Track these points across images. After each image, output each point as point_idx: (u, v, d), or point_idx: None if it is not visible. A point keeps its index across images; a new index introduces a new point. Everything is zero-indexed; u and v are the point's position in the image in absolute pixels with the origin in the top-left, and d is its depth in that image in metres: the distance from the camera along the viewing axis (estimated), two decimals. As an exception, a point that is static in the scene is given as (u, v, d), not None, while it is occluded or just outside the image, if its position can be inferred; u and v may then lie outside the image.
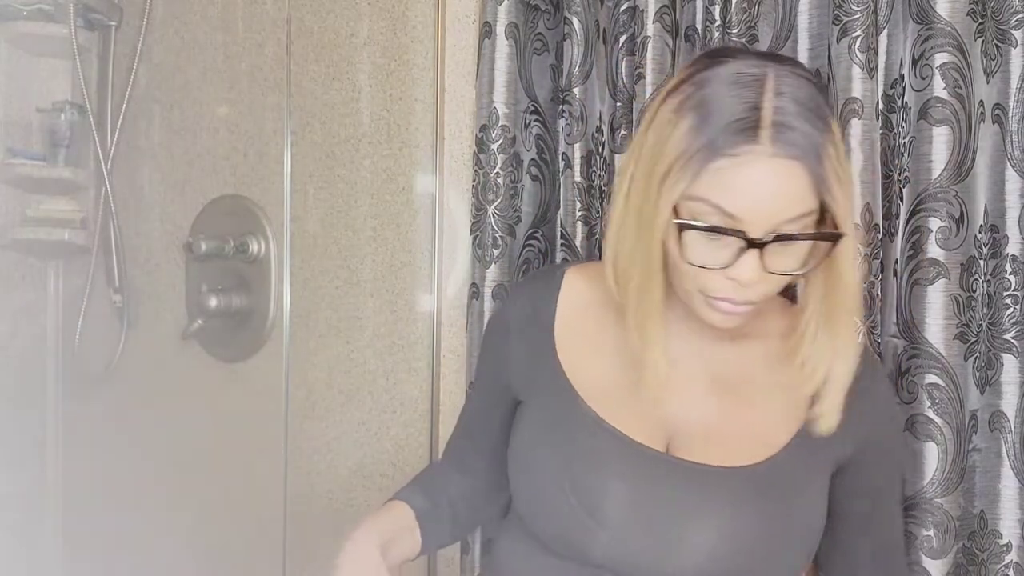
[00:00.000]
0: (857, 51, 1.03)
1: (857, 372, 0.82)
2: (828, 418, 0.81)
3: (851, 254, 0.75)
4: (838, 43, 1.04)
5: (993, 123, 1.06)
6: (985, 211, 1.06)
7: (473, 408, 1.05)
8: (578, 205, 1.24)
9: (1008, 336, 1.07)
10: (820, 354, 0.80)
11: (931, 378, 1.03)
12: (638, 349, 0.82)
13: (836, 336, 0.79)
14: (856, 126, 1.03)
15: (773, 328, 0.89)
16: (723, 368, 0.87)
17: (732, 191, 0.71)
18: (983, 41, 1.04)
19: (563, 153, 1.29)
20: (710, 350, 0.88)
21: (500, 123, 1.28)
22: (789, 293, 0.93)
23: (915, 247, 1.04)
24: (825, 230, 0.74)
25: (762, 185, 0.70)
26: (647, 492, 0.82)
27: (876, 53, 1.04)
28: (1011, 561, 1.06)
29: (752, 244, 0.71)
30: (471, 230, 1.31)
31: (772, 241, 0.71)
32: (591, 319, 0.90)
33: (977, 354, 1.05)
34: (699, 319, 0.81)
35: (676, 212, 0.74)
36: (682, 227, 0.73)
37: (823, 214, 0.74)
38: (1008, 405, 1.07)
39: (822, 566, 0.95)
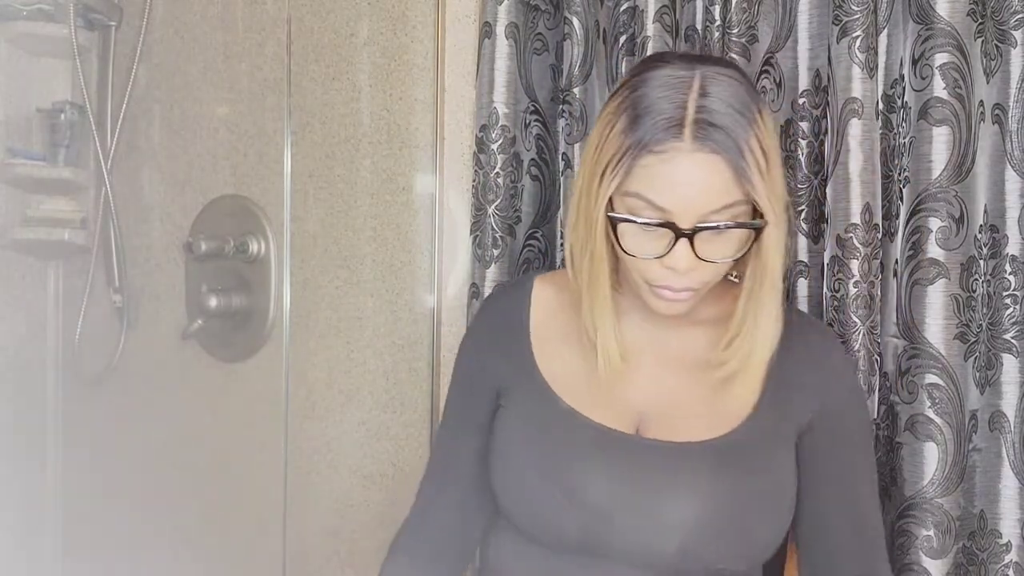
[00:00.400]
0: (857, 51, 1.03)
1: (813, 344, 0.91)
2: (744, 395, 0.87)
3: (774, 240, 0.80)
4: (838, 43, 1.04)
5: (993, 123, 1.06)
6: (985, 211, 1.06)
7: (446, 445, 1.03)
8: (578, 205, 1.24)
9: (1008, 336, 1.07)
10: (745, 333, 0.85)
11: (931, 378, 1.03)
12: (592, 337, 0.89)
13: (758, 316, 0.84)
14: (856, 126, 1.03)
15: (724, 312, 0.92)
16: (679, 351, 0.93)
17: (659, 186, 0.77)
18: (983, 41, 1.04)
19: (563, 153, 1.29)
20: (665, 336, 0.93)
21: (500, 123, 1.28)
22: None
23: (915, 247, 1.04)
24: (753, 220, 0.80)
25: (686, 179, 0.76)
26: (623, 474, 0.86)
27: (876, 53, 1.04)
28: (1011, 561, 1.06)
29: (681, 234, 0.77)
30: (471, 230, 1.31)
31: (698, 231, 0.77)
32: (562, 321, 0.96)
33: (977, 354, 1.05)
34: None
35: (612, 206, 0.80)
36: (616, 220, 0.80)
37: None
38: (1008, 405, 1.07)
39: (804, 555, 0.95)
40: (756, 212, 0.80)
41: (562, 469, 0.88)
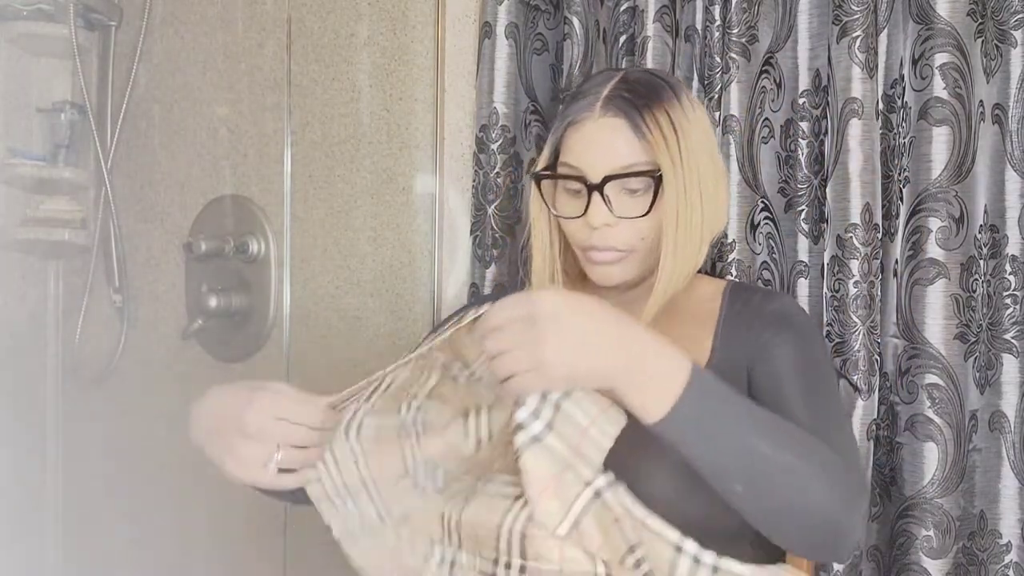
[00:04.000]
0: (857, 51, 1.03)
1: (755, 298, 0.93)
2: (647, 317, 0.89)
3: (674, 192, 0.86)
4: (838, 43, 1.04)
5: (993, 123, 1.06)
6: (985, 211, 1.06)
7: None
8: (578, 205, 1.24)
9: (1008, 336, 1.07)
10: (660, 273, 0.89)
11: (931, 378, 1.03)
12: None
13: (666, 256, 0.88)
14: (856, 126, 1.03)
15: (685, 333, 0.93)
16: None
17: (574, 149, 0.89)
18: (983, 41, 1.04)
19: (563, 153, 1.29)
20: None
21: (500, 123, 1.28)
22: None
23: (915, 247, 1.05)
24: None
25: (593, 139, 0.88)
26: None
27: (876, 53, 1.04)
28: (1011, 561, 1.06)
29: (592, 187, 0.87)
30: (471, 230, 1.31)
31: (606, 182, 0.86)
32: None
33: (977, 354, 1.05)
34: (597, 293, 0.90)
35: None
36: (539, 178, 0.93)
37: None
38: (1008, 405, 1.07)
39: None
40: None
41: None
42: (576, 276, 1.00)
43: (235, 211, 1.61)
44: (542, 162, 0.94)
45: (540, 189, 0.94)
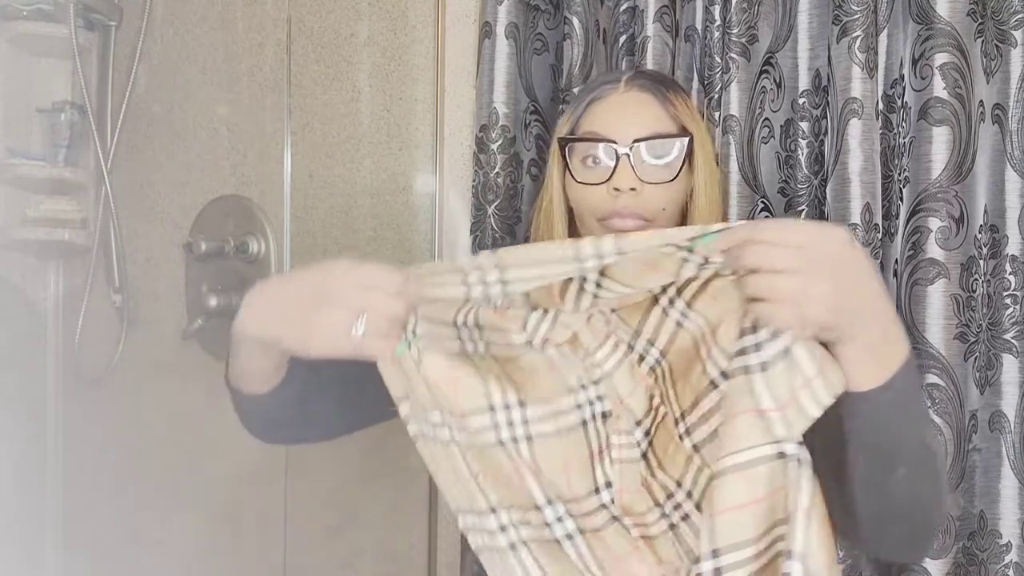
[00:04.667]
0: (857, 51, 1.03)
1: None
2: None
3: (702, 160, 0.90)
4: (838, 43, 1.04)
5: (993, 123, 1.06)
6: (985, 211, 1.06)
7: None
8: (578, 205, 1.24)
9: (1008, 336, 1.07)
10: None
11: (931, 378, 1.03)
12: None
13: (693, 219, 0.91)
14: (856, 126, 1.03)
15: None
16: None
17: (599, 117, 0.91)
18: (983, 41, 1.04)
19: (563, 153, 1.29)
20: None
21: (500, 123, 1.28)
22: None
23: (915, 247, 1.04)
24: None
25: (621, 110, 0.90)
26: None
27: (876, 53, 1.04)
28: (1011, 561, 1.06)
29: (621, 152, 0.88)
30: (471, 230, 1.31)
31: (635, 144, 0.87)
32: None
33: (977, 354, 1.05)
34: None
35: (567, 164, 0.92)
36: (567, 145, 0.91)
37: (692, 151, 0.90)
38: (1008, 405, 1.07)
39: None
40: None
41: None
42: None
43: (235, 211, 1.61)
44: (560, 129, 0.94)
45: (565, 154, 0.92)
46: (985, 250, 1.06)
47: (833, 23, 1.05)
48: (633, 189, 0.87)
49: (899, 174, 1.07)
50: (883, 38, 1.07)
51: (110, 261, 1.76)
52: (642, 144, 0.87)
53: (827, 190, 1.06)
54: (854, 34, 1.03)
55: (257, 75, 1.58)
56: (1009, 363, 1.07)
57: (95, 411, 1.82)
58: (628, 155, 0.87)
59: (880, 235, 1.05)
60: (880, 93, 1.07)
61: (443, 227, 1.35)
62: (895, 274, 1.07)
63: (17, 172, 1.75)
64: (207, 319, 1.59)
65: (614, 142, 0.88)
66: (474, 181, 1.31)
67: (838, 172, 1.04)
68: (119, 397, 1.77)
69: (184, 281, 1.69)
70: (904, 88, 1.07)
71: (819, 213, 1.10)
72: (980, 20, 1.04)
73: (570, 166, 0.92)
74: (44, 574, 1.87)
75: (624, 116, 0.90)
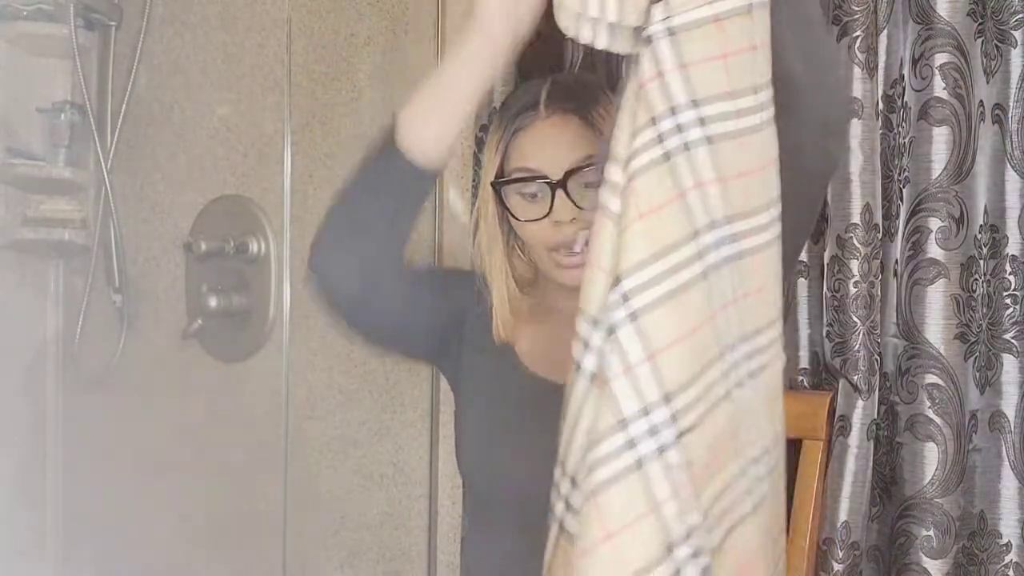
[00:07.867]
0: (857, 51, 1.03)
1: None
2: None
3: None
4: (838, 43, 1.04)
5: (993, 123, 1.06)
6: (985, 211, 1.06)
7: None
8: (578, 205, 1.24)
9: (1008, 336, 1.07)
10: None
11: (931, 378, 1.03)
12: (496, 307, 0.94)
13: None
14: (856, 126, 1.03)
15: None
16: None
17: (528, 152, 0.88)
18: (983, 41, 1.04)
19: (563, 153, 1.28)
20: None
21: (500, 123, 1.28)
22: None
23: (915, 247, 1.05)
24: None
25: (546, 139, 0.87)
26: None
27: (876, 53, 1.05)
28: (1011, 561, 1.06)
29: (555, 185, 0.86)
30: (471, 230, 1.31)
31: (568, 177, 0.85)
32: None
33: (977, 354, 1.05)
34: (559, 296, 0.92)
35: (500, 196, 0.91)
36: (499, 187, 0.90)
37: None
38: (1008, 405, 1.07)
39: None
40: None
41: (516, 430, 0.91)
42: (525, 281, 0.98)
43: (235, 211, 1.61)
44: (492, 173, 0.92)
45: (500, 197, 0.91)
46: (985, 250, 1.06)
47: (833, 23, 1.05)
48: (574, 219, 0.86)
49: (899, 174, 1.07)
50: (883, 38, 1.07)
51: (110, 261, 1.76)
52: (574, 175, 0.85)
53: (827, 190, 1.06)
54: (854, 34, 1.03)
55: (257, 75, 1.57)
56: (1009, 363, 1.07)
57: (95, 411, 1.82)
58: (564, 189, 0.86)
59: (880, 235, 1.05)
60: (880, 93, 1.07)
61: (443, 227, 1.35)
62: (895, 274, 1.07)
63: (17, 172, 1.74)
64: (207, 319, 1.59)
65: (545, 177, 0.86)
66: (474, 181, 1.30)
67: (838, 172, 1.04)
68: (119, 397, 1.77)
69: (184, 281, 1.69)
70: (904, 88, 1.07)
71: (819, 213, 1.10)
72: (980, 20, 1.04)
73: (508, 206, 0.90)
74: (44, 573, 1.87)
75: (549, 147, 0.87)
